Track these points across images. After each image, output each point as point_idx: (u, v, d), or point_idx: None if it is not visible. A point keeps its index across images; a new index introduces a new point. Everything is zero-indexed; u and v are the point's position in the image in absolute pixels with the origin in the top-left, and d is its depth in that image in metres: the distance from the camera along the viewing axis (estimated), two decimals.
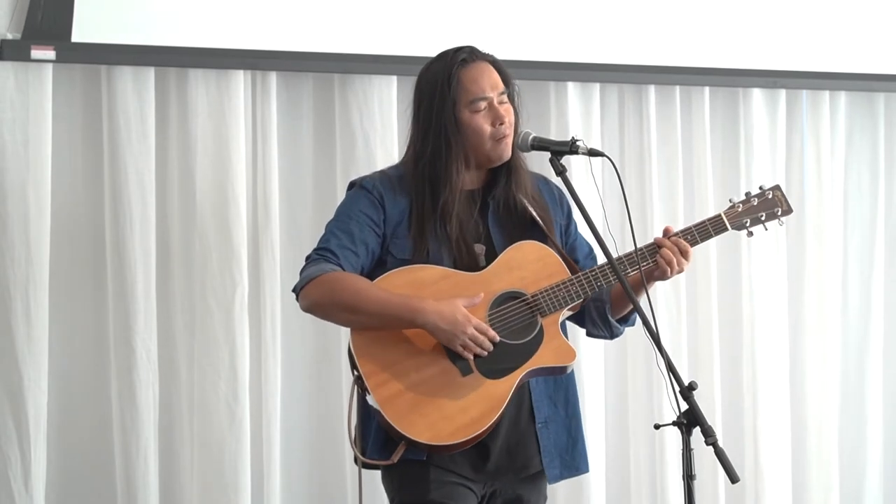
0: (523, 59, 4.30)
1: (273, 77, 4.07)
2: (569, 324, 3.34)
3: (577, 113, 4.45)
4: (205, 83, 3.98)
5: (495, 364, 3.09)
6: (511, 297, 3.15)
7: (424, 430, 3.05)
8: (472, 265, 3.17)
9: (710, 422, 2.85)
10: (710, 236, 3.29)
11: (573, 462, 3.30)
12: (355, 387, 3.10)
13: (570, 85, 4.43)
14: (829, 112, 4.87)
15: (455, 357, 3.09)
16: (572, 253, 3.35)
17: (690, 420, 2.86)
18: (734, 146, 4.75)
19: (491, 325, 3.10)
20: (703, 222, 3.30)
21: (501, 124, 3.17)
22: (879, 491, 5.01)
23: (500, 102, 3.18)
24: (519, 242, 3.20)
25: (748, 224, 3.34)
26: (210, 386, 3.96)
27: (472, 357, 3.07)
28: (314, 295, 3.10)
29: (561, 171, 3.15)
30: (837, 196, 4.92)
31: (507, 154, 3.20)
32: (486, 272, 3.16)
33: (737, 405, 4.72)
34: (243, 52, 3.97)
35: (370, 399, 3.09)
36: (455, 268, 3.16)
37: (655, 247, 3.22)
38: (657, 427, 3.00)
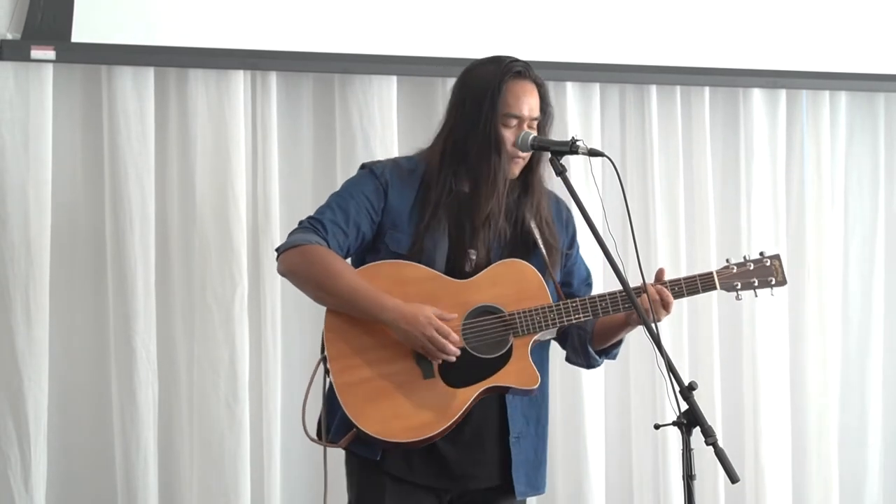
0: (523, 59, 4.30)
1: (273, 77, 4.07)
2: (553, 344, 3.36)
3: (577, 113, 4.45)
4: (205, 83, 3.98)
5: (458, 373, 3.10)
6: (488, 311, 3.16)
7: (374, 423, 3.06)
8: (464, 269, 3.17)
9: (710, 422, 2.85)
10: (698, 292, 3.29)
11: (536, 481, 3.29)
12: (321, 365, 3.12)
13: (570, 85, 4.43)
14: (829, 112, 4.87)
15: (421, 358, 3.10)
16: (569, 276, 3.36)
17: (690, 420, 2.86)
18: (734, 146, 4.75)
19: (464, 335, 3.11)
20: (694, 278, 3.29)
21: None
22: (879, 491, 5.01)
23: (529, 126, 3.18)
24: (510, 259, 3.20)
25: (738, 287, 3.32)
26: (210, 386, 3.96)
27: (435, 371, 3.08)
28: (292, 262, 3.12)
29: (561, 172, 3.15)
30: (838, 196, 4.92)
31: (514, 175, 3.20)
32: (470, 282, 3.16)
33: (737, 405, 4.72)
34: (243, 52, 3.97)
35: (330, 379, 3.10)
36: (446, 269, 3.16)
37: (641, 290, 3.19)
38: (657, 427, 3.00)
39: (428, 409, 3.09)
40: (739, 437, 4.70)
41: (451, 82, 4.22)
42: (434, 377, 3.09)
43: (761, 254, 3.37)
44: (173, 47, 3.90)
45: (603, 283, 4.54)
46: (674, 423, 2.89)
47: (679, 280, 3.27)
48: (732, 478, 2.80)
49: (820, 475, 4.82)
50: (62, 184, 3.87)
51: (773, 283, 3.34)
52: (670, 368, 2.91)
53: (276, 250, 3.17)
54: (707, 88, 4.65)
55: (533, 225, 3.24)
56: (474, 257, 3.18)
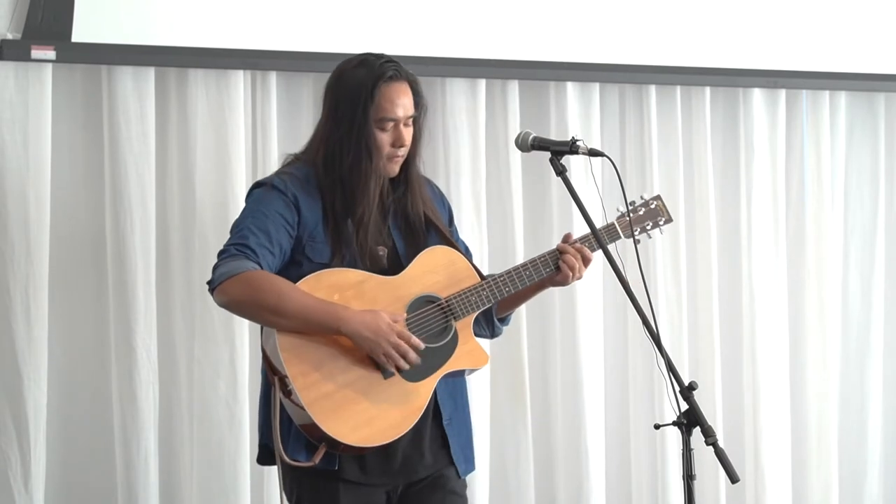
0: (523, 59, 4.31)
1: (273, 77, 4.07)
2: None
3: (577, 113, 4.45)
4: (205, 83, 3.98)
5: (415, 367, 3.11)
6: (427, 300, 3.18)
7: (350, 432, 3.06)
8: (379, 268, 3.18)
9: (710, 422, 2.86)
10: (606, 244, 3.30)
11: (471, 457, 3.34)
12: (274, 388, 3.07)
13: (570, 85, 4.43)
14: (829, 112, 4.87)
15: None
16: None
17: (691, 420, 2.86)
18: (734, 146, 4.75)
19: (409, 329, 3.12)
20: (600, 230, 3.32)
21: (401, 146, 3.19)
22: (879, 491, 5.01)
23: (405, 125, 3.19)
24: (432, 247, 3.23)
25: (637, 232, 3.40)
26: (210, 386, 3.96)
27: (394, 370, 3.08)
28: (234, 293, 3.06)
29: (561, 172, 3.15)
30: (838, 196, 4.92)
31: (394, 173, 3.22)
32: (402, 276, 3.18)
33: (737, 405, 4.72)
34: (243, 52, 3.97)
35: (295, 398, 3.05)
36: (367, 271, 3.17)
37: (558, 253, 3.28)
38: (657, 427, 3.00)
39: (394, 408, 3.10)
40: (739, 437, 4.70)
41: (451, 82, 4.28)
42: (394, 375, 3.10)
43: (642, 197, 3.49)
44: (173, 47, 3.90)
45: (603, 282, 4.56)
46: (674, 423, 2.89)
47: (587, 236, 3.32)
48: (732, 478, 2.81)
49: (820, 475, 4.82)
50: (62, 184, 3.87)
51: (662, 222, 3.49)
52: (670, 368, 2.91)
53: (209, 283, 3.11)
54: (707, 88, 4.65)
55: (422, 209, 3.28)
56: (383, 253, 3.20)
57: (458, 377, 3.26)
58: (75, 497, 3.94)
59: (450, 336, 3.18)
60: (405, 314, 3.14)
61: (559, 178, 3.16)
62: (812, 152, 4.87)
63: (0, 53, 3.70)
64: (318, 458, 3.09)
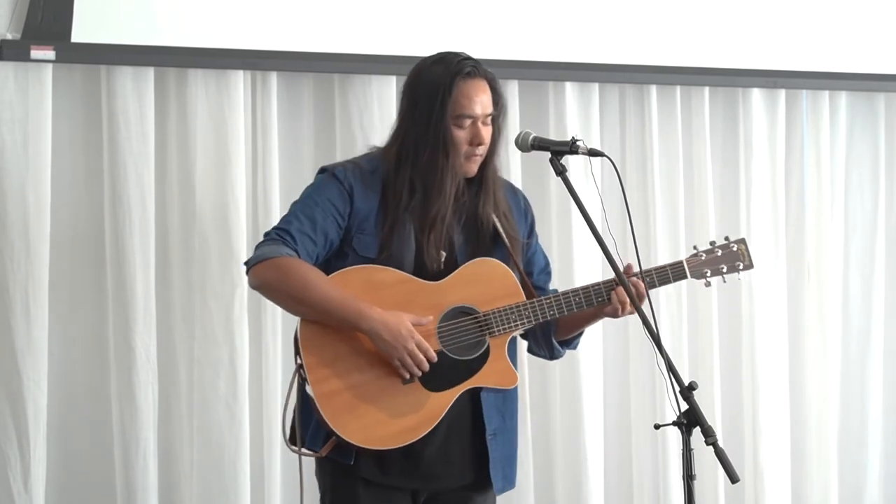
0: (522, 59, 4.30)
1: (273, 77, 4.07)
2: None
3: (576, 113, 4.45)
4: (205, 83, 3.98)
5: (437, 377, 3.09)
6: (463, 311, 3.15)
7: (356, 432, 3.05)
8: (433, 271, 3.16)
9: (710, 422, 2.85)
10: (669, 282, 3.30)
11: (511, 475, 3.29)
12: (296, 375, 3.10)
13: (569, 85, 4.43)
14: (829, 112, 4.87)
15: None
16: (529, 266, 3.35)
17: (690, 420, 2.86)
18: (734, 146, 4.75)
19: (439, 338, 3.11)
20: (664, 267, 3.30)
21: (479, 145, 3.17)
22: (879, 491, 5.01)
23: (484, 124, 3.17)
24: (481, 258, 3.20)
25: (708, 274, 3.34)
26: (210, 386, 3.96)
27: (407, 376, 3.06)
28: (265, 276, 3.09)
29: (561, 171, 3.15)
30: (838, 196, 4.92)
31: (472, 173, 3.20)
32: (443, 283, 3.15)
33: (737, 405, 4.72)
34: (243, 52, 3.97)
35: (309, 389, 3.08)
36: (414, 271, 3.15)
37: (613, 283, 3.21)
38: (657, 427, 2.99)
39: (408, 414, 3.08)
40: (739, 437, 4.70)
41: None
42: (413, 381, 3.08)
43: (726, 238, 3.39)
44: (173, 47, 3.90)
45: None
46: (674, 423, 2.89)
47: (650, 271, 3.28)
48: (732, 478, 2.80)
49: (819, 475, 4.82)
50: (62, 184, 3.87)
51: (741, 267, 3.37)
52: (670, 368, 2.91)
53: (246, 264, 3.14)
54: (707, 88, 4.65)
55: (493, 218, 3.23)
56: (442, 257, 3.17)
57: (496, 392, 3.20)
58: (75, 497, 3.94)
59: (481, 351, 3.14)
60: (436, 321, 3.11)
61: (559, 178, 3.15)
62: (812, 152, 4.86)
63: (0, 53, 3.70)
64: (325, 451, 3.09)
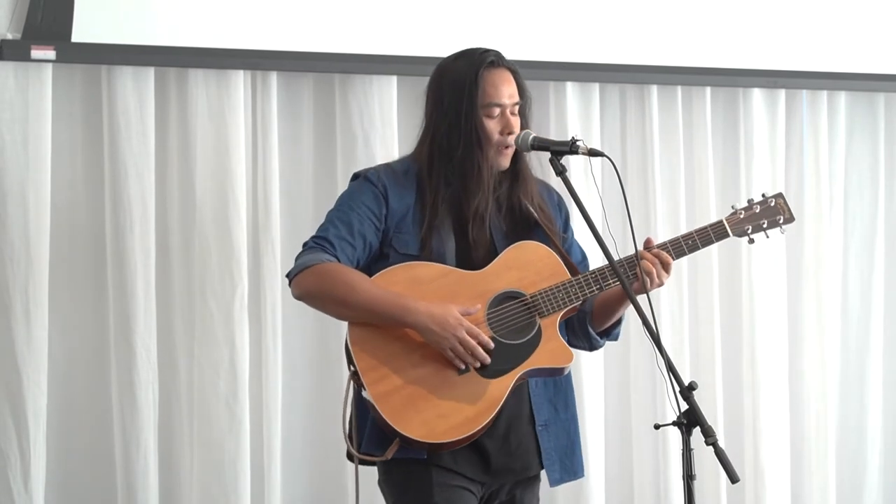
0: (522, 58, 4.28)
1: (273, 77, 4.07)
2: None
3: (576, 113, 4.45)
4: (205, 83, 3.99)
5: (492, 363, 3.07)
6: (510, 296, 3.14)
7: (418, 427, 3.03)
8: (475, 262, 3.16)
9: (710, 422, 2.85)
10: (711, 242, 3.28)
11: (572, 466, 3.28)
12: (351, 382, 3.09)
13: (569, 85, 4.43)
14: (829, 112, 4.87)
15: None
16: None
17: (691, 420, 2.86)
18: (734, 146, 4.75)
19: (489, 325, 3.09)
20: (705, 228, 3.28)
21: (510, 134, 3.17)
22: (879, 491, 5.01)
23: (512, 113, 3.18)
24: (520, 242, 3.19)
25: (749, 231, 3.32)
26: (210, 386, 3.96)
27: (462, 366, 3.05)
28: (307, 284, 3.09)
29: (561, 171, 3.14)
30: (837, 196, 4.92)
31: (506, 164, 3.20)
32: (486, 271, 3.15)
33: (737, 405, 4.72)
34: (243, 52, 3.98)
35: (365, 394, 3.07)
36: (457, 263, 3.15)
37: (636, 258, 3.19)
38: (657, 427, 2.98)
39: (468, 404, 3.05)
40: (739, 437, 4.70)
41: None
42: (469, 371, 3.06)
43: (763, 194, 3.37)
44: (173, 47, 3.90)
45: None
46: (674, 423, 2.88)
47: (691, 233, 3.25)
48: (732, 478, 2.80)
49: (819, 475, 4.82)
50: (62, 184, 3.87)
51: (782, 221, 3.35)
52: (670, 368, 2.91)
53: (287, 276, 3.14)
54: (708, 88, 4.65)
55: (530, 207, 3.24)
56: (483, 248, 3.17)
57: (553, 376, 3.19)
58: (75, 497, 3.94)
59: (532, 333, 3.12)
60: (484, 309, 3.10)
61: (559, 178, 3.15)
62: (812, 152, 4.86)
63: (0, 53, 3.70)
64: (390, 454, 3.07)
